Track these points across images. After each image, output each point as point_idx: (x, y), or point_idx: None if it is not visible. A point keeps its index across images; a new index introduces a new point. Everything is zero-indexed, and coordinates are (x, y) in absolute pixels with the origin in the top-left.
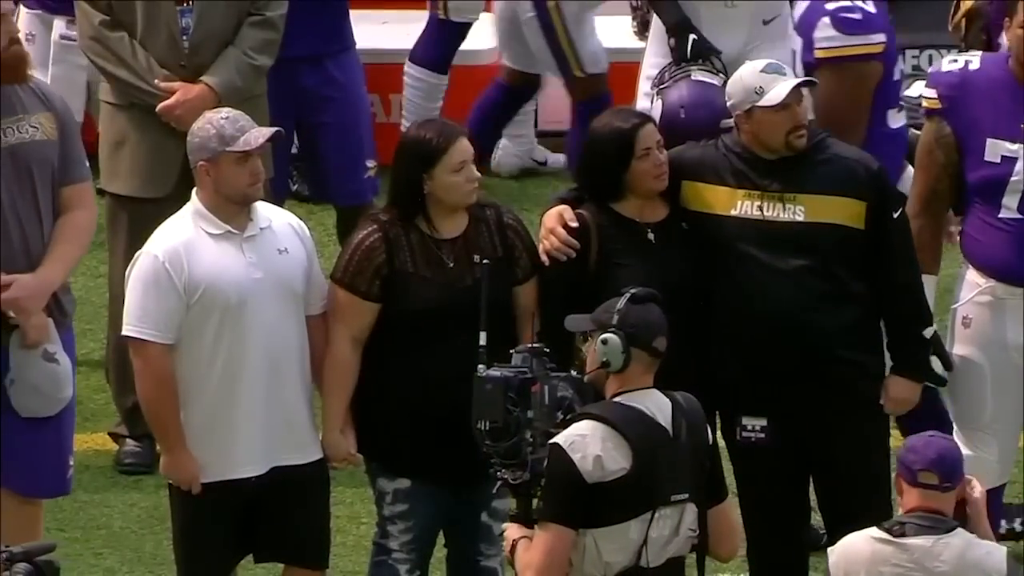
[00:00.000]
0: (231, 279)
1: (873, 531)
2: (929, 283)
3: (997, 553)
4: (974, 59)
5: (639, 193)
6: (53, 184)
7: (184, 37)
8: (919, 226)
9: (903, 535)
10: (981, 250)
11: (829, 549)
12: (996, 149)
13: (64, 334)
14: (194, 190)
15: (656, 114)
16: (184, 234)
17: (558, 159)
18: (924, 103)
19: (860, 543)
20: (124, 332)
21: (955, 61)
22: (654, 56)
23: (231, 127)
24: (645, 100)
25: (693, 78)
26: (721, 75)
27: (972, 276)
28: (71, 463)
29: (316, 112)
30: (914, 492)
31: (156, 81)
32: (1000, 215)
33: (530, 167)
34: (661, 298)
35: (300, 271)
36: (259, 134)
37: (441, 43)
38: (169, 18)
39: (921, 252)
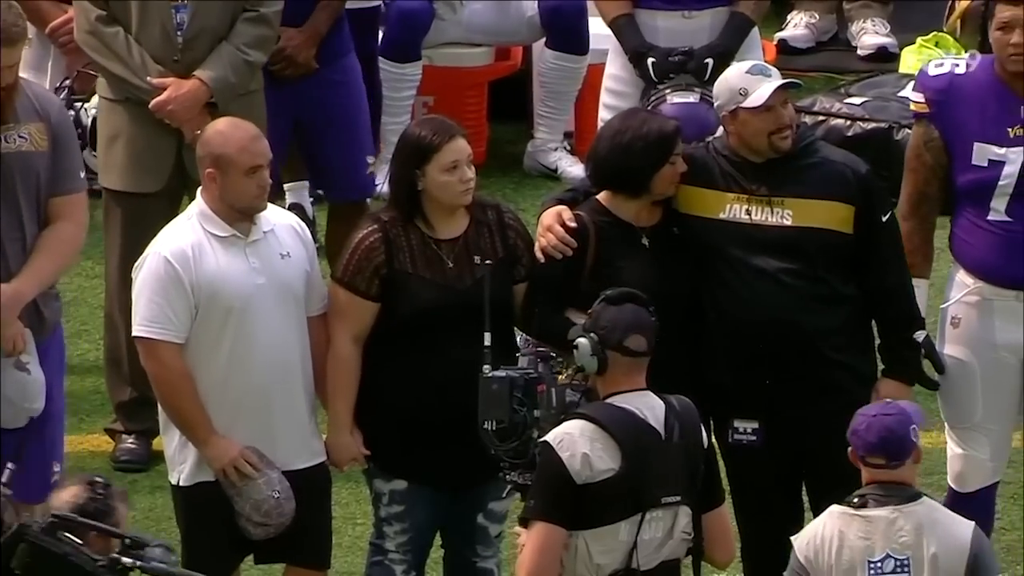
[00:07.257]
0: (234, 285)
1: (833, 508)
2: (921, 286)
3: (964, 523)
4: (961, 62)
5: (653, 195)
6: (39, 195)
7: (178, 33)
8: (909, 228)
9: (864, 506)
10: (970, 251)
11: (792, 538)
12: (983, 153)
13: (45, 343)
14: (198, 191)
15: None
16: (191, 236)
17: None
18: (912, 106)
19: (822, 521)
20: (135, 333)
21: (942, 64)
22: (611, 68)
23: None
24: (606, 112)
25: (669, 102)
26: (696, 89)
27: (961, 276)
28: (56, 469)
29: (315, 110)
30: (867, 470)
31: (149, 78)
32: (988, 217)
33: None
34: (643, 298)
35: (302, 274)
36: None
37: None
38: (163, 14)
39: (912, 255)
